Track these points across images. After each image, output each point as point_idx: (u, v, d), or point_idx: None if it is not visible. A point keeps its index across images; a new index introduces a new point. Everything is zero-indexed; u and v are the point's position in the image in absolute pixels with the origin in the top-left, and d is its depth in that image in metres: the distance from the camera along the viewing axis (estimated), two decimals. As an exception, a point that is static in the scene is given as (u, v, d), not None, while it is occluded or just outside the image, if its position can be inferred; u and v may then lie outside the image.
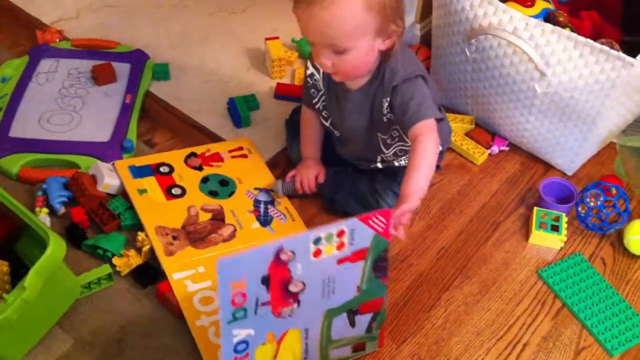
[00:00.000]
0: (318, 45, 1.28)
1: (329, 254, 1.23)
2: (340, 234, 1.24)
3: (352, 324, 1.27)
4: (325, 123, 1.52)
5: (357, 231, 1.25)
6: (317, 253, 1.23)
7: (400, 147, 1.49)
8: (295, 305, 1.22)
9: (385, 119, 1.40)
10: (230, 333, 1.14)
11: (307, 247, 1.22)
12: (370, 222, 1.25)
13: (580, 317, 1.39)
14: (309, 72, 1.49)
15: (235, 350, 1.16)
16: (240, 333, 1.15)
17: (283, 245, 1.19)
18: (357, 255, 1.26)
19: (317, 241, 1.22)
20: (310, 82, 1.49)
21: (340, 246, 1.25)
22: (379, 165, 1.54)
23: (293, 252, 1.20)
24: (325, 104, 1.50)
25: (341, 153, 1.58)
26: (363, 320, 1.28)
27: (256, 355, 1.18)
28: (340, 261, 1.25)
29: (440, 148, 1.54)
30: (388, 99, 1.36)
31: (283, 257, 1.20)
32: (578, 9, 1.81)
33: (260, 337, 1.18)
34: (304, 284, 1.23)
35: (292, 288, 1.22)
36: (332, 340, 1.26)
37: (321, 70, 1.45)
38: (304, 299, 1.23)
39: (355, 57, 1.28)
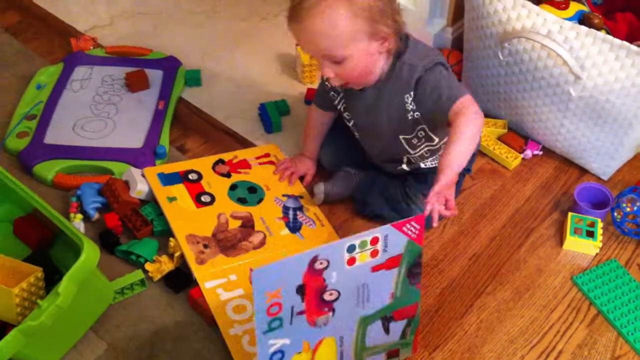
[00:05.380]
0: (316, 57, 1.31)
1: (363, 262, 1.22)
2: (374, 241, 1.23)
3: (387, 331, 1.27)
4: (348, 124, 1.54)
5: (391, 238, 1.24)
6: (352, 261, 1.22)
7: (427, 149, 1.48)
8: (331, 314, 1.21)
9: (409, 117, 1.39)
10: (266, 343, 1.14)
11: (341, 255, 1.21)
12: (404, 228, 1.24)
13: (616, 324, 1.37)
14: (325, 77, 1.49)
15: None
16: (277, 342, 1.15)
17: (319, 253, 1.17)
18: (392, 263, 1.26)
19: (351, 249, 1.22)
20: (329, 85, 1.50)
21: (374, 253, 1.23)
22: (405, 167, 1.54)
23: (328, 261, 1.20)
24: (346, 106, 1.50)
25: (368, 155, 1.58)
26: (397, 326, 1.28)
27: None
28: (375, 269, 1.24)
29: None
30: (412, 93, 1.36)
31: (318, 266, 1.19)
32: (613, 10, 1.78)
33: (296, 346, 1.18)
34: (338, 292, 1.22)
35: (327, 297, 1.22)
36: (366, 347, 1.25)
37: None
38: (339, 307, 1.22)
39: (355, 65, 1.30)
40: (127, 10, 2.14)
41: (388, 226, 1.22)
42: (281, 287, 1.15)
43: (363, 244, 1.22)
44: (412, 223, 1.24)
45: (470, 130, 1.28)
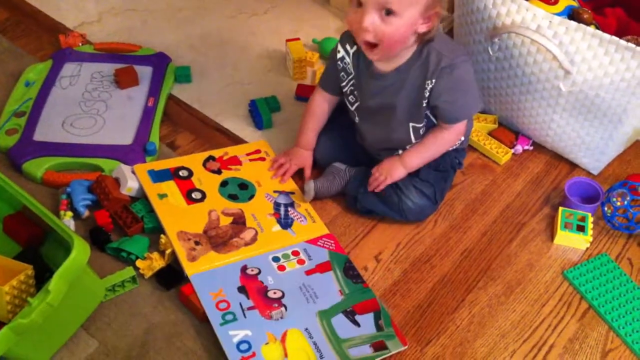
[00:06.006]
0: (368, 5, 1.28)
1: (294, 268, 1.38)
2: (295, 253, 1.42)
3: (355, 323, 1.31)
4: (350, 107, 1.53)
5: (310, 250, 1.43)
6: (282, 268, 1.38)
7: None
8: (283, 309, 1.31)
9: (424, 103, 1.41)
10: (226, 334, 1.26)
11: (269, 264, 1.38)
12: (319, 243, 1.44)
13: (607, 318, 1.38)
14: (339, 55, 1.49)
15: (239, 350, 1.24)
16: (238, 334, 1.26)
17: (246, 264, 1.36)
18: (322, 267, 1.40)
19: (276, 259, 1.40)
20: (341, 65, 1.50)
21: (300, 262, 1.40)
22: (400, 153, 1.53)
23: (258, 268, 1.37)
24: (353, 88, 1.50)
25: (364, 140, 1.57)
26: (366, 319, 1.32)
27: (264, 354, 1.24)
28: (308, 273, 1.38)
29: (461, 145, 1.55)
30: (433, 80, 1.37)
31: (250, 272, 1.36)
32: (602, 5, 1.79)
33: (260, 337, 1.26)
34: (282, 291, 1.34)
35: (272, 295, 1.33)
36: (341, 338, 1.29)
37: (351, 53, 1.47)
38: (289, 302, 1.33)
39: (398, 27, 1.29)
40: (115, 7, 2.12)
41: (303, 243, 1.44)
42: (222, 288, 1.32)
43: (285, 256, 1.41)
44: (324, 239, 1.45)
45: (443, 148, 1.49)
